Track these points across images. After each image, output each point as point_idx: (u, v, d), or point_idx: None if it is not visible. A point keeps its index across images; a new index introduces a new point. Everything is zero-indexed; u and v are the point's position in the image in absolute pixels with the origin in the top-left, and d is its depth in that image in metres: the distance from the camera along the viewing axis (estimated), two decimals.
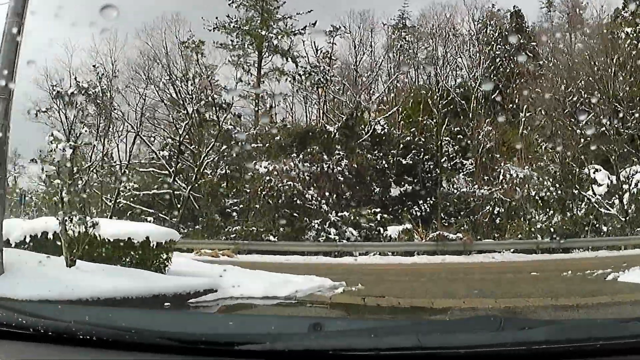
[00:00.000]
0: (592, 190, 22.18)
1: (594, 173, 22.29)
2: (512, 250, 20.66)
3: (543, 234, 21.17)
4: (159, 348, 1.60)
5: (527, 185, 22.81)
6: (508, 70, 27.01)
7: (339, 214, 22.82)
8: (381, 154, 25.65)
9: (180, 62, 28.05)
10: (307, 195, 23.28)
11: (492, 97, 26.23)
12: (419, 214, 23.86)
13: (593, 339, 1.64)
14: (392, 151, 25.89)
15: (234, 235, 22.37)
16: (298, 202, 23.05)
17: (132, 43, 28.24)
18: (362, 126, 26.62)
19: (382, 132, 26.03)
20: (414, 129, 26.61)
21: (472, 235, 21.77)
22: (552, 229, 20.97)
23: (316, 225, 22.46)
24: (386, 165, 25.60)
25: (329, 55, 31.83)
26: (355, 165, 24.58)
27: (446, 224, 22.85)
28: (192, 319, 2.65)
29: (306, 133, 26.59)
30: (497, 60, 27.52)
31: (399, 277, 14.77)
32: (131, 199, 25.75)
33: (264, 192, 23.44)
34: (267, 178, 23.64)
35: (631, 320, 1.79)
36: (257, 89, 31.37)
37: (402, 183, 25.24)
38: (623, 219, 21.58)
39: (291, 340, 1.65)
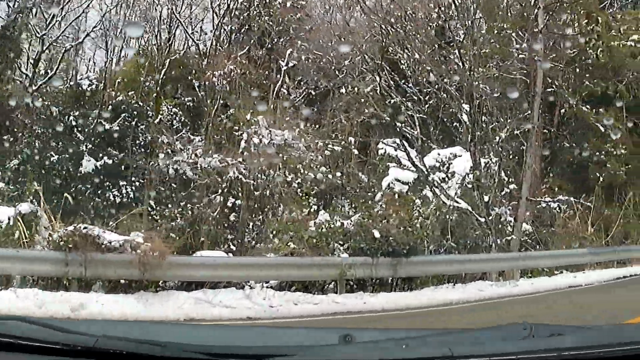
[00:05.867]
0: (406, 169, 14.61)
1: (395, 150, 15.05)
2: (266, 284, 9.91)
3: (353, 245, 10.72)
4: None
5: (282, 156, 14.75)
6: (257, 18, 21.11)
7: None
8: (76, 114, 18.45)
9: None
10: None
11: (241, 54, 20.06)
12: (119, 199, 16.92)
13: (625, 343, 1.60)
14: (93, 111, 18.62)
15: None
16: None
17: None
18: (25, 46, 19.04)
19: (87, 89, 19.98)
20: (133, 92, 20.59)
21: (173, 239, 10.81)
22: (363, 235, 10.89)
23: None
24: (78, 128, 18.41)
25: None
26: None
27: (157, 217, 14.45)
28: (221, 331, 2.65)
29: None
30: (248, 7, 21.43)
31: None
32: None
33: None
34: None
35: None
36: None
37: (101, 155, 18.13)
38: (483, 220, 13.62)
39: (321, 353, 1.63)
